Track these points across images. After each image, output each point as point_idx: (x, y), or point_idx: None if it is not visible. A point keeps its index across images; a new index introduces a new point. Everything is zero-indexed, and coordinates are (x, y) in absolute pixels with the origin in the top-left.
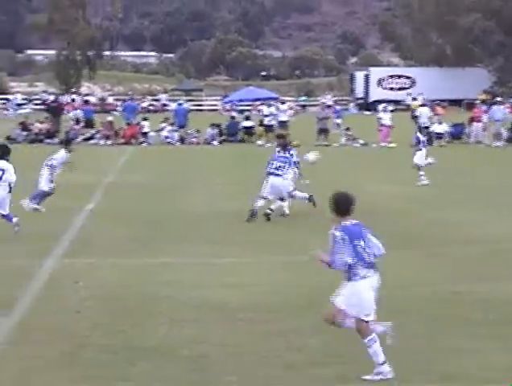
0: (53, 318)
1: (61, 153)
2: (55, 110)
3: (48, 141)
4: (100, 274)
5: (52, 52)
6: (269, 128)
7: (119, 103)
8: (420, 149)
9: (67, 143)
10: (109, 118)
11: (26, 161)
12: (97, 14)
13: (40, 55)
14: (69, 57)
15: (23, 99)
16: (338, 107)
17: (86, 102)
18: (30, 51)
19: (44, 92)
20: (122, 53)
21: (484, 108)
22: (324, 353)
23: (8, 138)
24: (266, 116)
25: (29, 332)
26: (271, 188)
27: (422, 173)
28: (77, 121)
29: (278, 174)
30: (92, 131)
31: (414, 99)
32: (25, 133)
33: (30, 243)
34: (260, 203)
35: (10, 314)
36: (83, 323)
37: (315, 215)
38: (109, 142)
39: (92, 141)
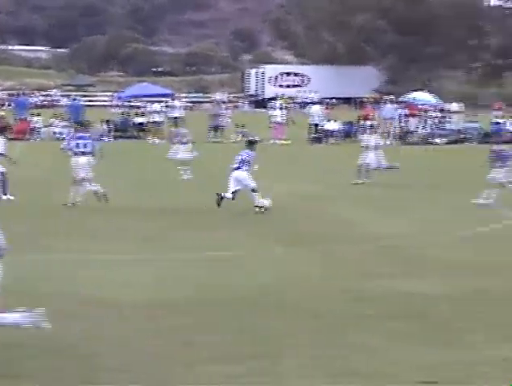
0: None
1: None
2: None
3: None
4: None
5: None
6: (158, 124)
7: (10, 98)
8: None
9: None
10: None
11: None
12: None
13: None
14: None
15: None
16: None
17: None
18: None
19: None
20: (13, 47)
21: (370, 107)
22: (217, 350)
23: None
24: (156, 112)
25: None
26: (236, 181)
27: None
28: None
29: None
30: None
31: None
32: None
33: None
34: (228, 195)
35: None
36: None
37: (218, 213)
38: None
39: None
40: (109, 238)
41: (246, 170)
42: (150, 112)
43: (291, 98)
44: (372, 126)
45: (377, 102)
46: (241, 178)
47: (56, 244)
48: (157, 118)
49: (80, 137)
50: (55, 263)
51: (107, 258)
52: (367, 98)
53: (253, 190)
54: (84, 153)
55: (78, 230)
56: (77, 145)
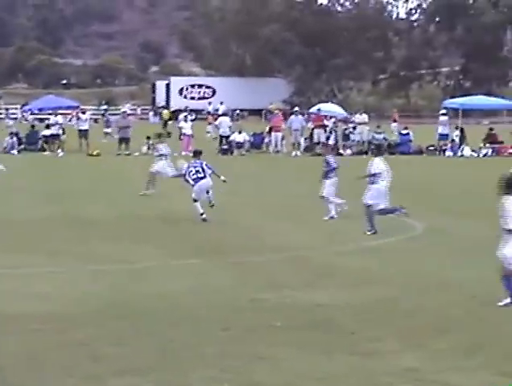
0: None
1: None
2: None
3: None
4: None
5: None
6: (55, 137)
7: None
8: None
9: None
10: None
11: None
12: None
13: None
14: None
15: None
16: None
17: None
18: None
19: None
20: None
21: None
22: (125, 363)
23: None
24: (52, 125)
25: None
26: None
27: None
28: None
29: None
30: None
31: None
32: None
33: None
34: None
35: None
36: None
37: (127, 224)
38: None
39: None
40: (15, 250)
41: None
42: (54, 125)
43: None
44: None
45: (284, 113)
46: (208, 185)
47: None
48: (60, 130)
49: None
50: None
51: (12, 271)
52: (272, 109)
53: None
54: None
55: None
56: None
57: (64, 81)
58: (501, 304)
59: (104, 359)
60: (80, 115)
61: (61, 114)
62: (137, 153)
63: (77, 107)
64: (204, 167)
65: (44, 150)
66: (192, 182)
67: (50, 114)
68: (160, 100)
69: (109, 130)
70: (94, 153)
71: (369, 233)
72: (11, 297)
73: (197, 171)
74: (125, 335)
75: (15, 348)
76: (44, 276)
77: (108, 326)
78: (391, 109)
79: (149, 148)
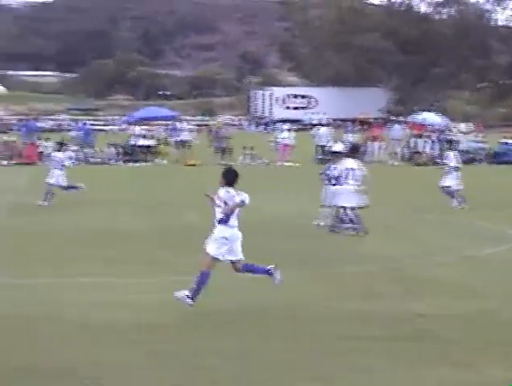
0: None
1: None
2: None
3: None
4: (10, 294)
5: None
6: (153, 147)
7: (18, 123)
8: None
9: None
10: (9, 138)
11: None
12: None
13: None
14: None
15: None
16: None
17: None
18: None
19: None
20: (22, 72)
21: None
22: (222, 374)
23: None
24: (151, 135)
25: None
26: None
27: None
28: None
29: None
30: None
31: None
32: None
33: None
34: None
35: None
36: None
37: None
38: (9, 162)
39: None
40: (115, 261)
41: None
42: (152, 135)
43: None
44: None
45: (384, 123)
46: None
47: (44, 268)
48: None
49: None
50: (44, 287)
51: (111, 281)
52: (374, 119)
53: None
54: None
55: (59, 254)
56: None
57: (164, 92)
58: None
59: (200, 370)
60: (180, 125)
61: (161, 125)
62: (233, 163)
63: (177, 117)
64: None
65: (144, 161)
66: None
67: (150, 125)
68: (258, 109)
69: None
70: (192, 163)
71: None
72: (108, 307)
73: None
74: (219, 346)
75: (111, 358)
76: (140, 286)
77: (201, 337)
78: (493, 118)
79: (251, 157)
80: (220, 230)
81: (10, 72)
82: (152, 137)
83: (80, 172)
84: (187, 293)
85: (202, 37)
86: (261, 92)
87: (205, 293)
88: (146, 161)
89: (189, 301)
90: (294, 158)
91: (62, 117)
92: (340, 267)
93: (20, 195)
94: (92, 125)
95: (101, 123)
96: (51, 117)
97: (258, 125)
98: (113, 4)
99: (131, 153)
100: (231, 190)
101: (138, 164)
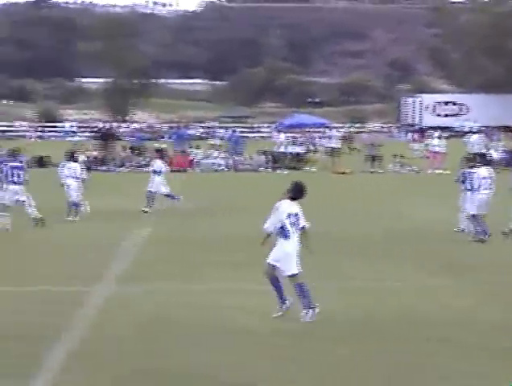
0: (105, 344)
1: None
2: (106, 137)
3: (100, 168)
4: (151, 300)
5: (103, 80)
6: (302, 154)
7: (169, 130)
8: None
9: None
10: (159, 146)
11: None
12: (147, 41)
13: (92, 82)
14: (120, 85)
15: (76, 126)
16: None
17: (136, 129)
18: (81, 79)
19: (95, 119)
20: (173, 81)
21: None
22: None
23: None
24: (300, 142)
25: (81, 359)
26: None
27: None
28: (128, 149)
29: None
30: (142, 158)
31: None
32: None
33: (82, 269)
34: None
35: (61, 340)
36: (135, 349)
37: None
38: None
39: (145, 169)
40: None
41: None
42: (301, 143)
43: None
44: None
45: None
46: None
47: (215, 273)
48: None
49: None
50: (195, 293)
51: (246, 287)
52: None
53: None
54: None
55: (236, 259)
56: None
57: (313, 99)
58: None
59: (334, 372)
60: (330, 133)
61: (310, 132)
62: (382, 171)
63: (326, 125)
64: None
65: (293, 168)
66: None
67: (299, 132)
68: (408, 117)
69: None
70: (342, 171)
71: None
72: (248, 312)
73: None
74: (367, 354)
75: (253, 363)
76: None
77: (352, 343)
78: None
79: (401, 165)
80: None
81: (161, 80)
82: (301, 145)
83: (228, 179)
84: (305, 311)
85: (350, 44)
86: (410, 99)
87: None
88: (295, 168)
89: (311, 312)
90: (445, 166)
91: (212, 124)
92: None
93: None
94: (241, 132)
95: (248, 130)
96: (202, 125)
97: (407, 132)
98: (263, 12)
99: (280, 161)
100: (285, 204)
101: (286, 171)
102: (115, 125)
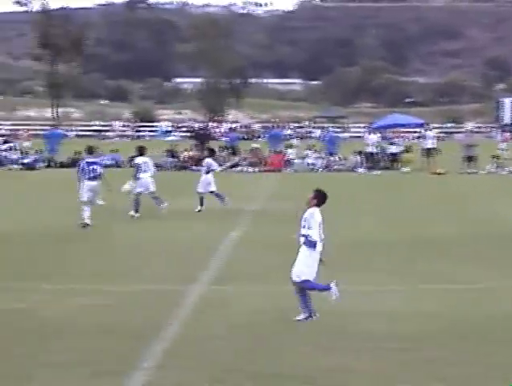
0: (200, 343)
1: None
2: (201, 137)
3: (195, 168)
4: (246, 301)
5: (199, 80)
6: (398, 155)
7: (265, 130)
8: None
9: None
10: (255, 145)
11: (175, 186)
12: (243, 42)
13: (187, 83)
14: (215, 85)
15: (171, 126)
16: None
17: (231, 129)
18: (177, 80)
19: (191, 119)
20: (267, 80)
21: None
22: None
23: (156, 166)
24: (397, 143)
25: (177, 358)
26: None
27: None
28: (223, 148)
29: None
30: (238, 158)
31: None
32: (172, 160)
33: (177, 269)
34: None
35: (158, 339)
36: (230, 349)
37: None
38: (254, 169)
39: (237, 168)
40: (362, 269)
41: None
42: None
43: None
44: None
45: None
46: None
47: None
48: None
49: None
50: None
51: (358, 289)
52: None
53: None
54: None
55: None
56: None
57: (409, 99)
58: None
59: (448, 379)
60: (425, 133)
61: (406, 132)
62: (483, 172)
63: (422, 125)
64: None
65: (388, 168)
66: None
67: (394, 132)
68: (506, 117)
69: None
70: (438, 171)
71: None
72: (359, 314)
73: None
74: (468, 357)
75: (366, 366)
76: (386, 294)
77: (449, 346)
78: None
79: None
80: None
81: (257, 80)
82: (398, 145)
83: (322, 179)
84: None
85: (447, 44)
86: (509, 99)
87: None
88: (390, 168)
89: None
90: None
91: (306, 124)
92: None
93: (265, 201)
94: (334, 132)
95: (343, 130)
96: (296, 125)
97: (503, 132)
98: (358, 12)
99: (374, 161)
100: (318, 212)
101: (379, 172)
102: (211, 125)
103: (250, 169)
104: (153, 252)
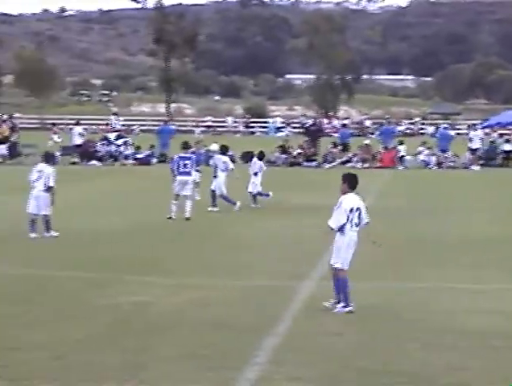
0: (314, 339)
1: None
2: (313, 133)
3: (307, 164)
4: (358, 297)
5: (311, 76)
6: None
7: (376, 127)
8: None
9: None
10: (366, 142)
11: (285, 182)
12: (356, 38)
13: (299, 79)
14: (327, 81)
15: (282, 122)
16: None
17: (343, 126)
18: (289, 76)
19: (303, 115)
20: (379, 77)
21: None
22: None
23: (267, 161)
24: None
25: (289, 353)
26: None
27: None
28: (335, 145)
29: None
30: (350, 154)
31: None
32: (284, 156)
33: (289, 265)
34: None
35: (270, 334)
36: (343, 345)
37: None
38: (365, 166)
39: (348, 165)
40: (473, 267)
41: None
42: None
43: None
44: None
45: None
46: None
47: (426, 271)
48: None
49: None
50: (418, 291)
51: (470, 287)
52: None
53: None
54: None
55: (451, 258)
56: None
57: None
58: None
59: None
60: None
61: None
62: None
63: None
64: None
65: (504, 166)
66: None
67: (509, 129)
68: None
69: None
70: None
71: None
72: (473, 313)
73: None
74: None
75: (482, 364)
76: (500, 292)
77: None
78: None
79: None
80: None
81: (369, 77)
82: (508, 142)
83: (435, 176)
84: (339, 304)
85: None
86: None
87: None
88: (502, 166)
89: (347, 309)
90: None
91: (417, 120)
92: None
93: (376, 198)
94: (445, 128)
95: (455, 127)
96: (409, 121)
97: None
98: (473, 7)
99: (490, 158)
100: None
101: (497, 169)
102: (323, 121)
103: (360, 165)
104: (264, 247)
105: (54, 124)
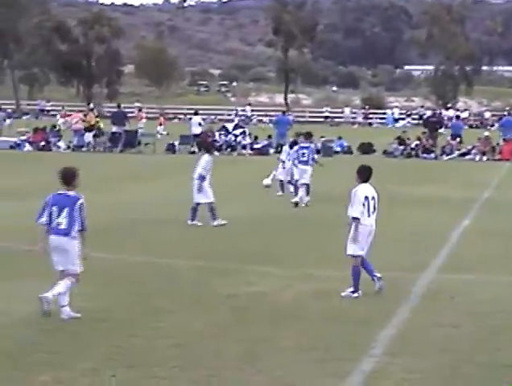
0: (430, 331)
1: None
2: (432, 125)
3: (425, 155)
4: (476, 290)
5: (430, 67)
6: None
7: (496, 118)
8: None
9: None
10: (486, 133)
11: (402, 174)
12: (476, 28)
13: (418, 70)
14: (447, 72)
15: (400, 114)
16: None
17: (457, 117)
18: (408, 67)
19: (421, 107)
20: (500, 68)
21: None
22: None
23: (384, 152)
24: None
25: (406, 345)
26: None
27: None
28: (454, 137)
29: None
30: (469, 146)
31: None
32: (401, 147)
33: (408, 256)
34: None
35: (387, 325)
36: (460, 338)
37: None
38: (484, 158)
39: (467, 157)
40: None
41: None
42: None
43: None
44: None
45: None
46: None
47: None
48: None
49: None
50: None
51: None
52: None
53: None
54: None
55: None
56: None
57: None
58: None
59: None
60: None
61: None
62: None
63: None
64: None
65: None
66: None
67: None
68: None
69: None
70: None
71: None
72: None
73: None
74: None
75: None
76: None
77: None
78: None
79: None
80: None
81: (489, 68)
82: None
83: None
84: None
85: None
86: None
87: None
88: None
89: (355, 294)
90: None
91: None
92: None
93: (496, 190)
94: None
95: None
96: None
97: None
98: None
99: None
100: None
101: None
102: (441, 112)
103: (479, 157)
104: (384, 239)
105: (161, 114)
